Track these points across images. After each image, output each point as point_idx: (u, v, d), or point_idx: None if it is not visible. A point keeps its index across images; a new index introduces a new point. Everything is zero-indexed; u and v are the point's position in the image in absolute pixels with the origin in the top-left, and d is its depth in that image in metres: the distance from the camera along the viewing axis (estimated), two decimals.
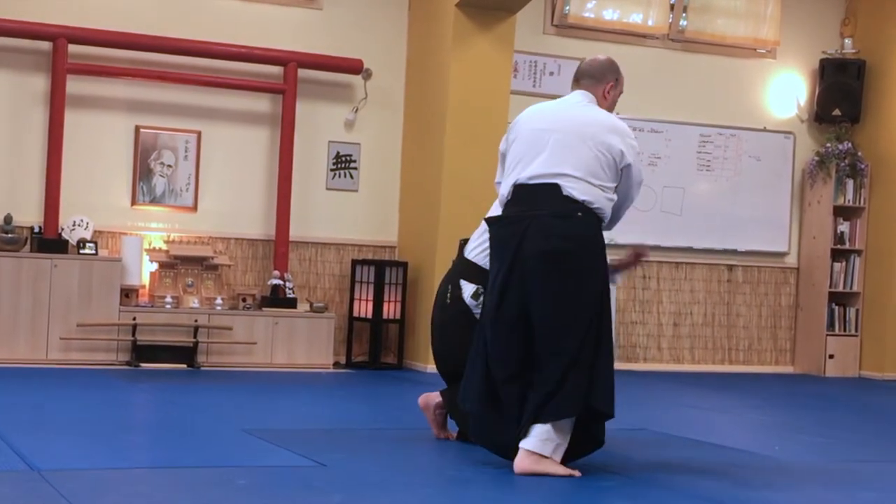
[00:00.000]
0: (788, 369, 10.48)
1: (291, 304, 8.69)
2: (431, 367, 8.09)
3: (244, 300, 8.65)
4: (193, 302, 8.47)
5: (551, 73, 9.60)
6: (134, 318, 8.16)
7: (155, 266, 8.52)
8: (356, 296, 8.96)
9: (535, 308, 4.62)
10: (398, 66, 9.36)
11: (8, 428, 5.17)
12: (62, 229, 8.29)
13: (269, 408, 6.65)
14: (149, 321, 8.21)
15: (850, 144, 10.24)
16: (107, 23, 8.49)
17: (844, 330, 10.34)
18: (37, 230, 8.30)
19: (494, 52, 8.80)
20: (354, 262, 9.02)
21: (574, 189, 4.65)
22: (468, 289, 5.23)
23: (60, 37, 8.27)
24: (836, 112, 10.32)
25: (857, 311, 10.34)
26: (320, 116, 9.15)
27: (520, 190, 4.73)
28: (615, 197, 4.77)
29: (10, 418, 5.58)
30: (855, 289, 10.34)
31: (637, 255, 5.29)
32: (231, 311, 8.52)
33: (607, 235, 4.80)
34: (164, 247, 8.66)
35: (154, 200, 8.72)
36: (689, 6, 10.09)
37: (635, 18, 9.92)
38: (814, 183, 10.37)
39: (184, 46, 8.59)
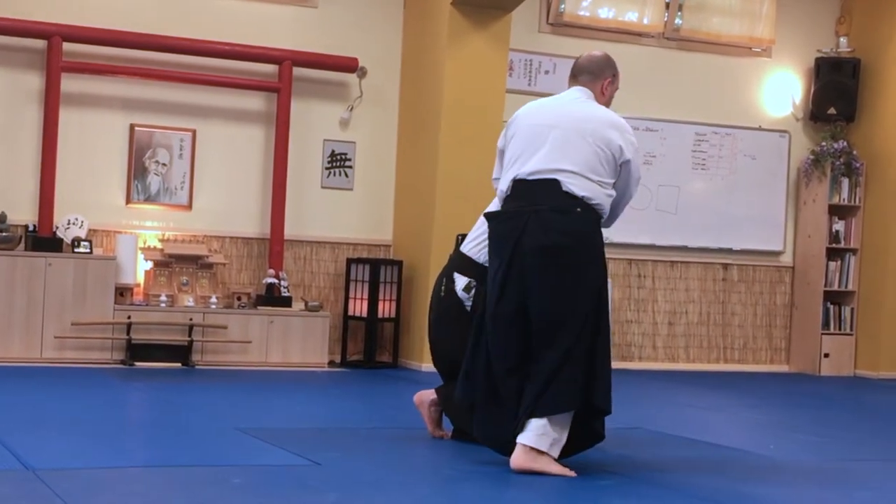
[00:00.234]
0: (783, 368, 10.48)
1: (286, 302, 8.68)
2: (426, 366, 8.10)
3: (239, 299, 8.64)
4: (188, 301, 8.46)
5: (546, 72, 9.59)
6: (128, 317, 8.15)
7: (150, 265, 8.51)
8: (351, 294, 8.96)
9: (533, 302, 4.63)
10: (393, 65, 9.35)
11: (2, 427, 5.16)
12: (57, 228, 8.28)
13: (264, 406, 6.65)
14: (143, 320, 8.20)
15: (845, 143, 10.23)
16: (101, 21, 8.48)
17: (839, 329, 10.34)
18: (31, 228, 8.28)
19: (490, 51, 8.79)
20: (349, 261, 9.02)
21: (573, 185, 4.65)
22: (461, 282, 5.27)
23: (55, 35, 8.25)
24: (832, 111, 10.31)
25: (852, 309, 10.34)
26: (315, 115, 9.14)
27: (519, 185, 4.74)
28: (614, 193, 4.78)
29: (4, 417, 5.57)
30: (850, 288, 10.34)
31: None
32: (226, 310, 8.51)
33: (604, 234, 4.80)
34: (159, 245, 8.64)
35: (149, 199, 8.71)
36: (685, 5, 10.09)
37: (630, 17, 9.92)
38: (809, 182, 10.37)
39: (178, 45, 8.58)
